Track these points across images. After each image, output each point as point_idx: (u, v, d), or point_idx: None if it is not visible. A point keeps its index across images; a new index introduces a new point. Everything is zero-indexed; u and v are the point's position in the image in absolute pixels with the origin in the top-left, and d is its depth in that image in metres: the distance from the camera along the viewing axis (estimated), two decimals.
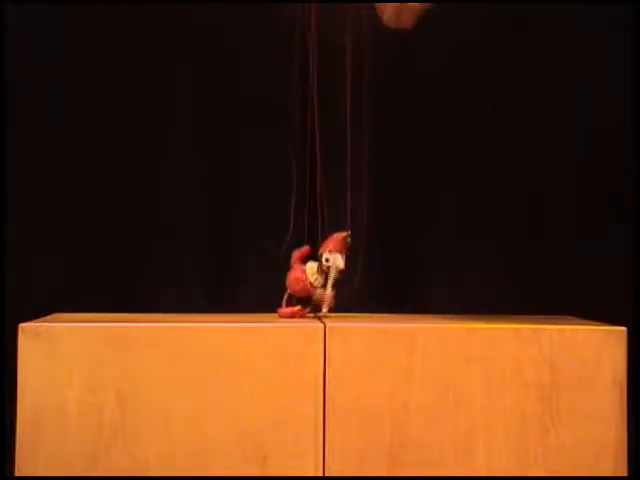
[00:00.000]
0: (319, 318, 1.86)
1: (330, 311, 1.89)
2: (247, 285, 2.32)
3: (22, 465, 1.69)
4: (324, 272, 1.89)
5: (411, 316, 1.98)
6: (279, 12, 2.17)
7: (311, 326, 1.75)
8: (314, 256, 1.91)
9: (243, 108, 2.33)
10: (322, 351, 1.72)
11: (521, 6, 2.32)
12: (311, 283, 1.89)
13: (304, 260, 1.91)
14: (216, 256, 2.34)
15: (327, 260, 1.89)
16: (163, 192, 2.33)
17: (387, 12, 1.79)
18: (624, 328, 1.77)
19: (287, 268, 1.92)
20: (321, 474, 1.71)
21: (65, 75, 2.30)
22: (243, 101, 2.33)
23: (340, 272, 1.89)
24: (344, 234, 1.91)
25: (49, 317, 1.84)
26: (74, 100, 2.30)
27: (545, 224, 2.35)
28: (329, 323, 1.76)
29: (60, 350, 1.70)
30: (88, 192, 2.31)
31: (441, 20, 2.29)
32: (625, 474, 1.74)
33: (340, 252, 1.90)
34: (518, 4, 2.31)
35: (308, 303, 1.90)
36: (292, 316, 1.88)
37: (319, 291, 1.89)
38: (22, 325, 1.71)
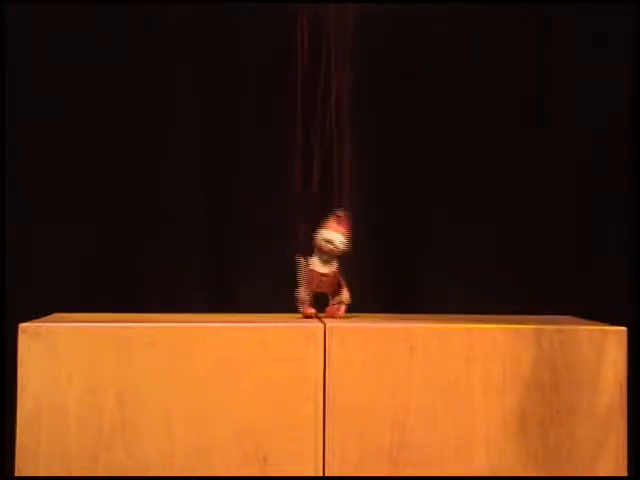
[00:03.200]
0: (319, 318, 1.86)
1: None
2: (247, 285, 2.32)
3: (22, 465, 1.69)
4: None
5: (411, 316, 1.98)
6: (279, 11, 2.17)
7: (311, 326, 1.75)
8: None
9: (243, 108, 2.33)
10: (322, 351, 1.72)
11: (521, 7, 2.33)
12: (321, 273, 1.88)
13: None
14: (216, 256, 2.34)
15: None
16: (163, 192, 2.33)
17: None
18: (624, 328, 1.77)
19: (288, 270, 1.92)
20: (321, 474, 1.71)
21: (65, 75, 2.30)
22: (243, 101, 2.33)
23: (323, 245, 1.87)
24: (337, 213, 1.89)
25: (49, 317, 1.84)
26: (74, 100, 2.30)
27: (545, 224, 2.35)
28: (329, 323, 1.76)
29: (60, 350, 1.70)
30: (88, 192, 2.31)
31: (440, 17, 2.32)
32: (625, 474, 1.75)
33: (326, 228, 1.87)
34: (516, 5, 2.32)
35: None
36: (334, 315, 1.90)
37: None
38: (22, 325, 1.71)
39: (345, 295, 1.90)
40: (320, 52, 1.95)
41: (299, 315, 1.87)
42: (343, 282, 1.90)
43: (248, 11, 2.29)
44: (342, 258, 1.88)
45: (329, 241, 1.87)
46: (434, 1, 2.29)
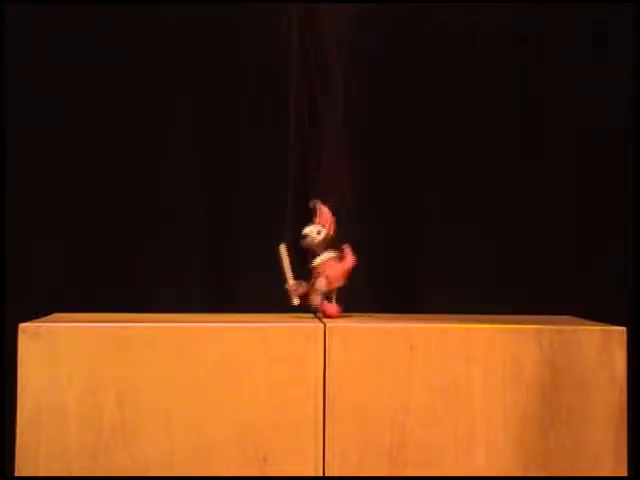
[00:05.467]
0: (319, 318, 1.86)
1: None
2: (247, 285, 2.32)
3: (22, 465, 1.69)
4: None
5: (411, 316, 1.98)
6: (279, 12, 2.17)
7: (311, 326, 1.75)
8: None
9: (243, 108, 2.33)
10: (322, 351, 1.72)
11: (520, 7, 2.33)
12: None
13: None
14: (216, 256, 2.35)
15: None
16: (163, 192, 2.33)
17: None
18: (624, 328, 1.77)
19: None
20: (321, 474, 1.71)
21: (65, 75, 2.30)
22: (242, 101, 2.33)
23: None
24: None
25: (49, 317, 1.84)
26: (74, 100, 2.30)
27: (545, 224, 2.35)
28: (329, 323, 1.76)
29: (60, 350, 1.70)
30: (88, 192, 2.31)
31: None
32: (625, 474, 1.74)
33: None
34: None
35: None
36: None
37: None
38: (22, 325, 1.71)
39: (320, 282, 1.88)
40: (318, 52, 1.95)
41: (298, 314, 1.88)
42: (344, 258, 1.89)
43: (248, 11, 2.29)
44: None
45: (304, 236, 1.87)
46: (434, 1, 2.30)
